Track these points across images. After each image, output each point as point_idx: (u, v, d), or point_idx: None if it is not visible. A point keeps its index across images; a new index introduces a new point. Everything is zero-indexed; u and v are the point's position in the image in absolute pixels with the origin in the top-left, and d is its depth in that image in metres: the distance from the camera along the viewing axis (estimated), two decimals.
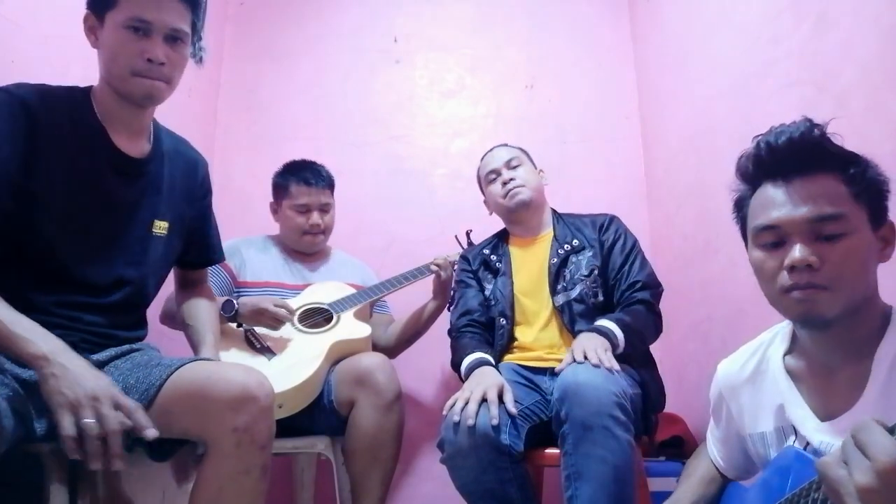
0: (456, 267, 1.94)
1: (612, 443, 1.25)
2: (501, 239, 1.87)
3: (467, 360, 1.59)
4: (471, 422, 1.33)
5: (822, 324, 0.82)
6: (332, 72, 2.62)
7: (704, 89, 1.88)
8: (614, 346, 1.48)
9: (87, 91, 1.23)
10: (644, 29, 2.48)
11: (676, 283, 1.96)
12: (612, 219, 1.78)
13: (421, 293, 2.02)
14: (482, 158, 1.92)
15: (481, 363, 1.55)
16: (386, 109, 2.58)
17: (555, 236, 1.77)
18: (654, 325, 1.62)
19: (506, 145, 1.90)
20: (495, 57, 2.61)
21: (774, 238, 0.85)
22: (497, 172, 1.83)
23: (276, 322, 1.69)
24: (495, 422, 1.34)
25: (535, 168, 1.87)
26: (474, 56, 2.62)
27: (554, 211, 1.87)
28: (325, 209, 1.97)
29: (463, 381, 1.56)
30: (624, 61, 2.57)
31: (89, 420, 0.92)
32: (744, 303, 1.61)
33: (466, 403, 1.37)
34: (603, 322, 1.54)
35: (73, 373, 0.96)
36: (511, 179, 1.78)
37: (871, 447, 0.54)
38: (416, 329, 2.01)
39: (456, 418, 1.36)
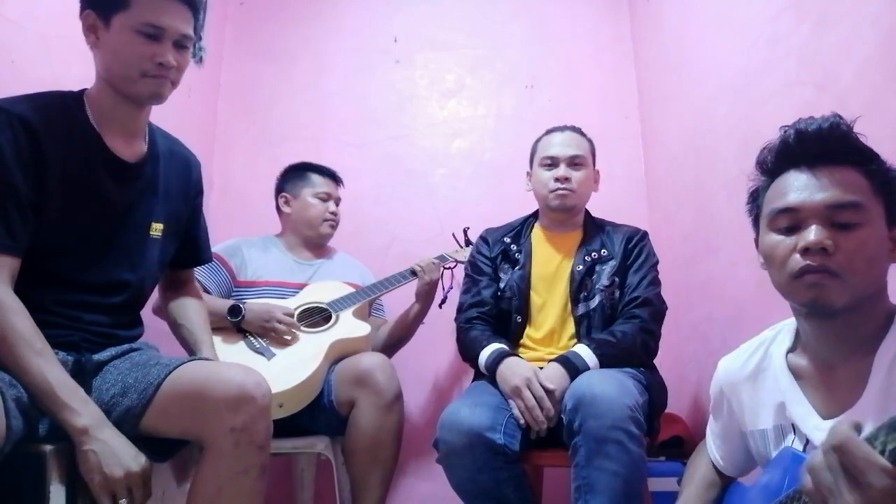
0: (468, 251, 1.92)
1: (625, 457, 1.25)
2: (525, 227, 1.82)
3: (486, 353, 1.57)
4: (543, 427, 1.40)
5: (829, 312, 0.82)
6: (332, 72, 2.62)
7: (704, 89, 1.88)
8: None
9: (79, 95, 1.22)
10: (644, 29, 2.48)
11: (676, 283, 1.96)
12: (643, 235, 1.74)
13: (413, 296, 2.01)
14: (547, 131, 1.81)
15: (503, 354, 1.54)
16: (386, 109, 2.58)
17: (583, 241, 1.73)
18: (643, 345, 1.57)
19: (578, 132, 1.79)
20: (495, 57, 2.61)
21: (790, 222, 0.85)
22: (555, 162, 1.73)
23: (280, 338, 1.71)
24: (551, 413, 1.39)
25: (594, 168, 1.80)
26: (474, 56, 2.62)
27: (588, 213, 1.82)
28: (338, 203, 2.06)
29: (484, 373, 1.58)
30: (624, 61, 2.57)
31: (123, 502, 1.02)
32: (744, 303, 1.61)
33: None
34: (582, 347, 1.53)
35: (111, 449, 1.03)
36: (566, 180, 1.71)
37: (863, 474, 0.55)
38: (402, 334, 2.00)
39: (523, 421, 1.40)
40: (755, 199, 0.95)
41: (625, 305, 1.63)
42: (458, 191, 2.48)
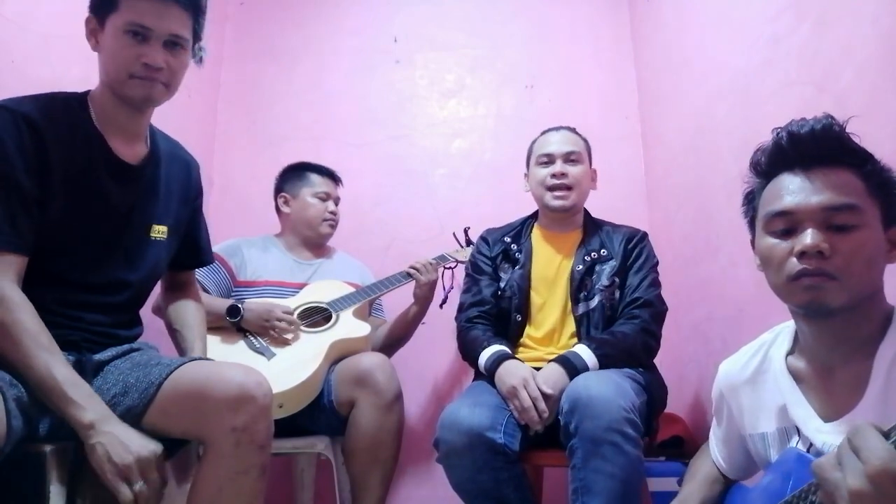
0: (470, 249, 1.92)
1: (621, 459, 1.25)
2: (525, 227, 1.83)
3: (487, 354, 1.57)
4: (539, 428, 1.41)
5: (825, 313, 0.82)
6: (332, 72, 2.62)
7: (704, 89, 1.88)
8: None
9: (83, 97, 1.23)
10: (644, 29, 2.48)
11: (676, 283, 1.96)
12: (643, 236, 1.75)
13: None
14: (543, 132, 1.83)
15: (503, 357, 1.54)
16: (386, 109, 2.58)
17: (583, 240, 1.74)
18: (643, 346, 1.58)
19: (573, 131, 1.81)
20: (495, 57, 2.61)
21: (787, 225, 0.85)
22: (551, 159, 1.74)
23: (281, 336, 1.71)
24: (546, 415, 1.39)
25: (590, 166, 1.81)
26: (474, 56, 2.62)
27: (587, 212, 1.83)
28: (337, 202, 2.06)
29: (484, 373, 1.58)
30: (624, 61, 2.57)
31: (139, 485, 1.01)
32: (744, 303, 1.61)
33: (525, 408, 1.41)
34: (581, 347, 1.53)
35: (118, 438, 1.02)
36: (563, 175, 1.71)
37: (864, 451, 0.56)
38: (400, 334, 2.00)
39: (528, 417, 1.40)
40: (750, 201, 0.95)
41: (625, 306, 1.63)
42: (458, 191, 2.48)
